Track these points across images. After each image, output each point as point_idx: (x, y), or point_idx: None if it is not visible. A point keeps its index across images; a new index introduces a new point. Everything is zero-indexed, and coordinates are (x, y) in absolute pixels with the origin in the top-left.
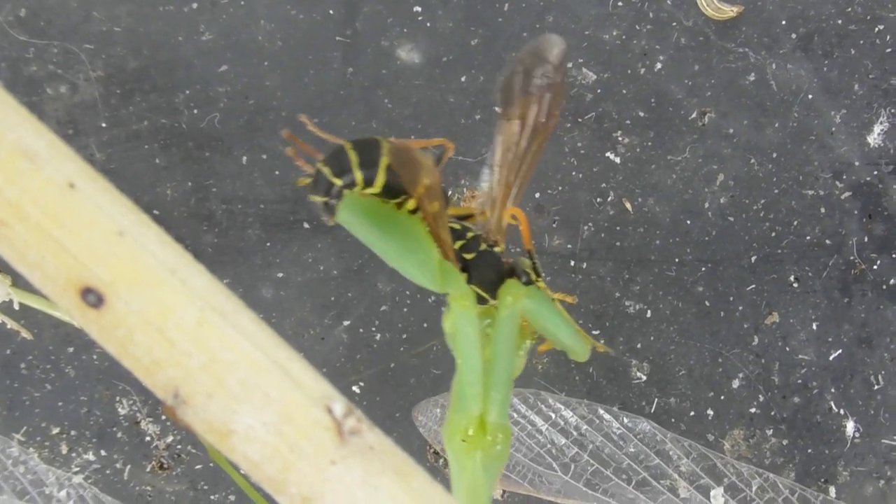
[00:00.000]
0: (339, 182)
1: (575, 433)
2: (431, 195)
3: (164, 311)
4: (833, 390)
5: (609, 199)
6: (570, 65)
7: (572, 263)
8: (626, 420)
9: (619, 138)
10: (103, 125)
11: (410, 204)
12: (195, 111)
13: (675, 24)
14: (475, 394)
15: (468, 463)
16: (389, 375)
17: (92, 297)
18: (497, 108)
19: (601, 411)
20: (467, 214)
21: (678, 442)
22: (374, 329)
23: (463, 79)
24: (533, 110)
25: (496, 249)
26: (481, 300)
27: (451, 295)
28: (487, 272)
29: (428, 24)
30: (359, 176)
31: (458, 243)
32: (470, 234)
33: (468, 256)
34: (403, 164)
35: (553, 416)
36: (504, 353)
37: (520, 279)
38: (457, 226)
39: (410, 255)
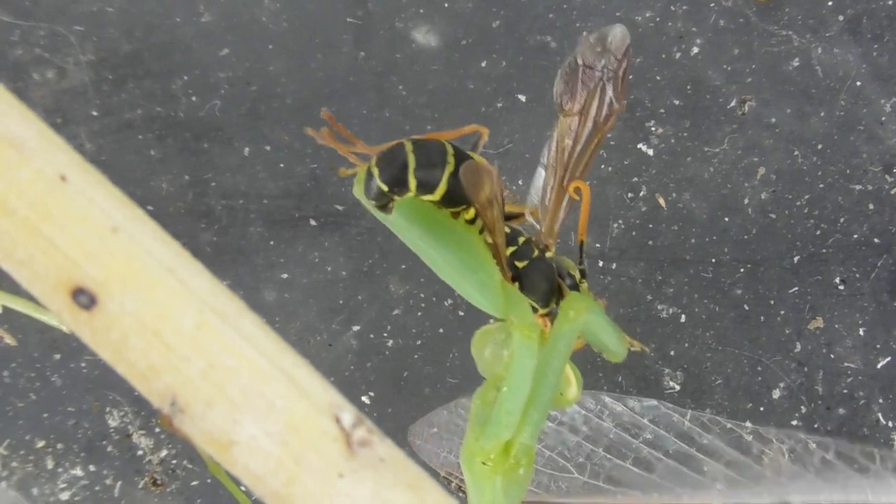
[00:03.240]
0: (385, 188)
1: (585, 429)
2: (493, 203)
3: (161, 313)
4: (881, 401)
5: (641, 194)
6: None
7: (601, 264)
8: (633, 403)
9: (653, 128)
10: (94, 113)
11: (469, 213)
12: (193, 98)
13: (713, 4)
14: (512, 423)
15: (488, 487)
16: (402, 385)
17: (83, 298)
18: (540, 100)
19: (606, 399)
20: (516, 214)
21: (697, 419)
22: (385, 335)
23: (483, 63)
24: (593, 105)
25: (547, 255)
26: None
27: (514, 323)
28: (539, 281)
29: (446, 5)
30: (413, 183)
31: (510, 249)
32: (521, 239)
33: (520, 264)
34: (468, 175)
35: (559, 415)
36: (553, 371)
37: (563, 281)
38: (506, 229)
39: (470, 273)
